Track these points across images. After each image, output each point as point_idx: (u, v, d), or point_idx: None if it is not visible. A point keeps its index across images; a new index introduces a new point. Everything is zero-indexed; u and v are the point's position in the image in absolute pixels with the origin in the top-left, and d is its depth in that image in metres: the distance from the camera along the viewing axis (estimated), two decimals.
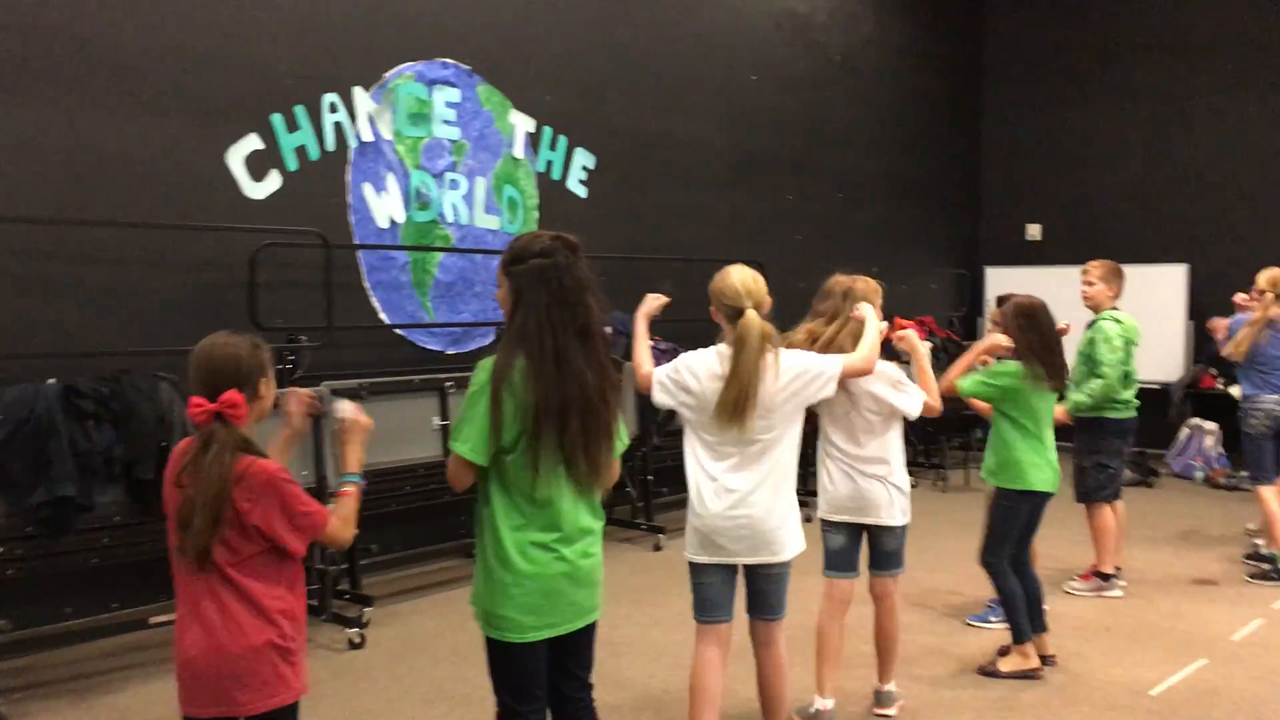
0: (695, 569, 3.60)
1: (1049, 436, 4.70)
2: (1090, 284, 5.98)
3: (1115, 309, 5.93)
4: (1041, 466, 4.64)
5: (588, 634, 2.90)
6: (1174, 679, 4.75)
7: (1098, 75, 11.45)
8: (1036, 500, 4.68)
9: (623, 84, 8.10)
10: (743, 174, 9.20)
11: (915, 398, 4.10)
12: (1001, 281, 11.01)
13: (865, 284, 4.12)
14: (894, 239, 10.91)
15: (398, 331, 6.66)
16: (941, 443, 9.95)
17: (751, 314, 3.43)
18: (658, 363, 3.71)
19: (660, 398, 3.59)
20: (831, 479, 4.17)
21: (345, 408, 2.90)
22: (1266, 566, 6.38)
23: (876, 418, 4.11)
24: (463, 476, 2.75)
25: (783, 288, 9.51)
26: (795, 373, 3.51)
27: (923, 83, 11.42)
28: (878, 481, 4.13)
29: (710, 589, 3.58)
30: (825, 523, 4.22)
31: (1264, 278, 6.70)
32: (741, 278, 3.49)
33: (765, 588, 3.61)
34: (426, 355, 6.78)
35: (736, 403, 3.40)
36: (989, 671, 4.75)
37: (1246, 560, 6.65)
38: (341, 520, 2.69)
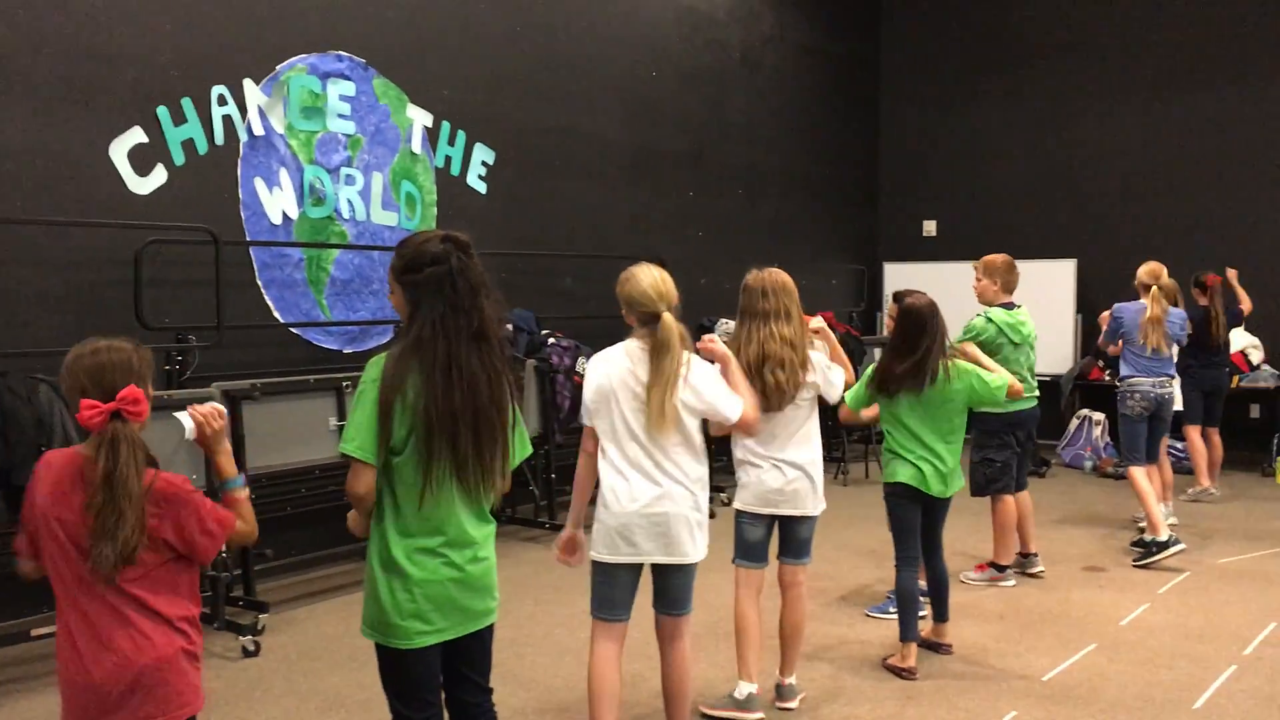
0: (601, 569, 3.55)
1: (928, 435, 4.66)
2: (978, 280, 6.12)
3: (1010, 305, 6.04)
4: (907, 463, 4.68)
5: (483, 639, 2.86)
6: (1065, 664, 4.87)
7: (991, 76, 11.73)
8: (912, 494, 4.69)
9: (522, 79, 8.03)
10: (644, 170, 9.19)
11: (839, 381, 4.29)
12: (899, 277, 11.21)
13: (776, 275, 4.19)
14: (795, 235, 11.03)
15: (293, 330, 6.50)
16: (843, 436, 10.08)
17: (669, 317, 3.43)
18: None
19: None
20: (759, 473, 4.21)
21: (187, 425, 2.67)
22: (1150, 549, 6.58)
23: (803, 408, 4.20)
24: (360, 478, 2.66)
25: (685, 284, 9.48)
26: (701, 387, 3.49)
27: (821, 81, 11.56)
28: (803, 473, 4.22)
29: (615, 588, 3.55)
30: (746, 515, 4.24)
31: (1144, 271, 6.92)
32: (651, 280, 3.47)
33: (675, 583, 3.62)
34: (323, 354, 6.64)
35: (664, 408, 3.40)
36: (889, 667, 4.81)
37: (1133, 546, 6.87)
38: (245, 522, 2.63)
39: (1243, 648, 5.07)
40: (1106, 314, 7.16)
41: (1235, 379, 9.66)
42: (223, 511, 2.54)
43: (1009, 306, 6.05)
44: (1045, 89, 11.40)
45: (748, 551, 4.27)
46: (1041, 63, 11.41)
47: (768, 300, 4.15)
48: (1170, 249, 9.28)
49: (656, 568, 3.58)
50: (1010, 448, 6.05)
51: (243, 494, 2.67)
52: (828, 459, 9.89)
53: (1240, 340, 9.89)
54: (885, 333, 4.99)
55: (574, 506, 3.69)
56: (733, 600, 4.30)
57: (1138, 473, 6.71)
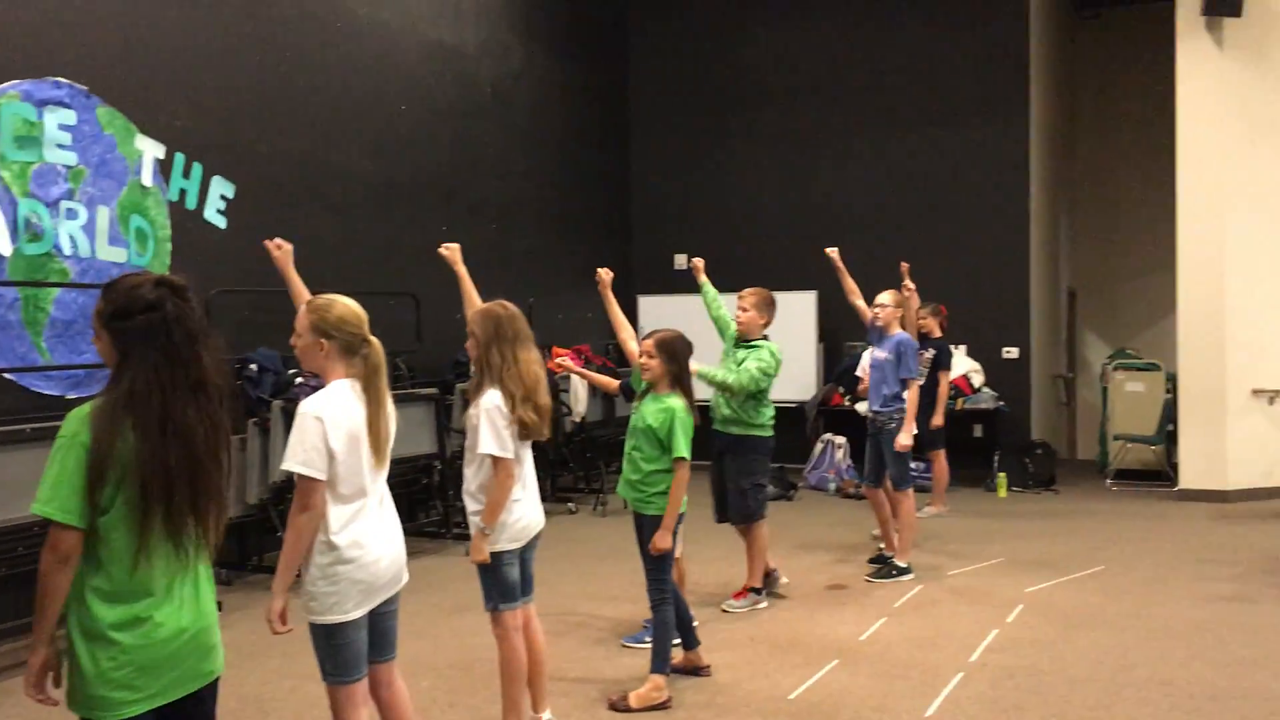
0: (344, 629, 3.33)
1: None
2: (743, 310, 6.20)
3: (765, 337, 6.22)
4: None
5: (204, 700, 2.69)
6: (809, 682, 5.06)
7: (735, 114, 12.24)
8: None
9: (264, 109, 7.76)
10: (394, 203, 9.05)
11: None
12: (654, 310, 11.50)
13: (505, 309, 4.18)
14: (550, 268, 11.11)
15: (6, 376, 6.00)
16: (600, 468, 10.18)
17: (379, 342, 3.37)
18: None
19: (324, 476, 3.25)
20: (520, 508, 4.15)
21: None
22: (890, 570, 6.96)
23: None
24: (64, 541, 2.46)
25: (439, 319, 9.39)
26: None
27: (573, 115, 11.74)
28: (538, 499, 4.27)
29: (361, 642, 3.40)
30: (506, 555, 4.12)
31: (897, 299, 7.29)
32: (355, 305, 3.40)
33: (390, 625, 3.53)
34: (42, 401, 6.15)
35: (386, 439, 3.36)
36: (619, 707, 4.71)
37: (871, 563, 7.24)
38: None
39: (969, 655, 5.42)
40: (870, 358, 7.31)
41: (960, 401, 10.41)
42: None
43: (764, 339, 6.24)
44: (785, 127, 12.01)
45: (510, 592, 4.17)
46: (780, 103, 12.03)
47: (519, 325, 4.17)
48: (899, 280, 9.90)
49: (378, 611, 3.44)
50: (769, 473, 6.31)
51: None
52: (587, 490, 10.05)
53: (963, 365, 10.66)
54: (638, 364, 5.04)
55: (289, 571, 3.26)
56: (482, 644, 4.23)
57: (912, 499, 7.06)
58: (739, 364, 6.11)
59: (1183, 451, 9.99)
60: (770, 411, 6.22)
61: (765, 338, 6.23)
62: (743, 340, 6.21)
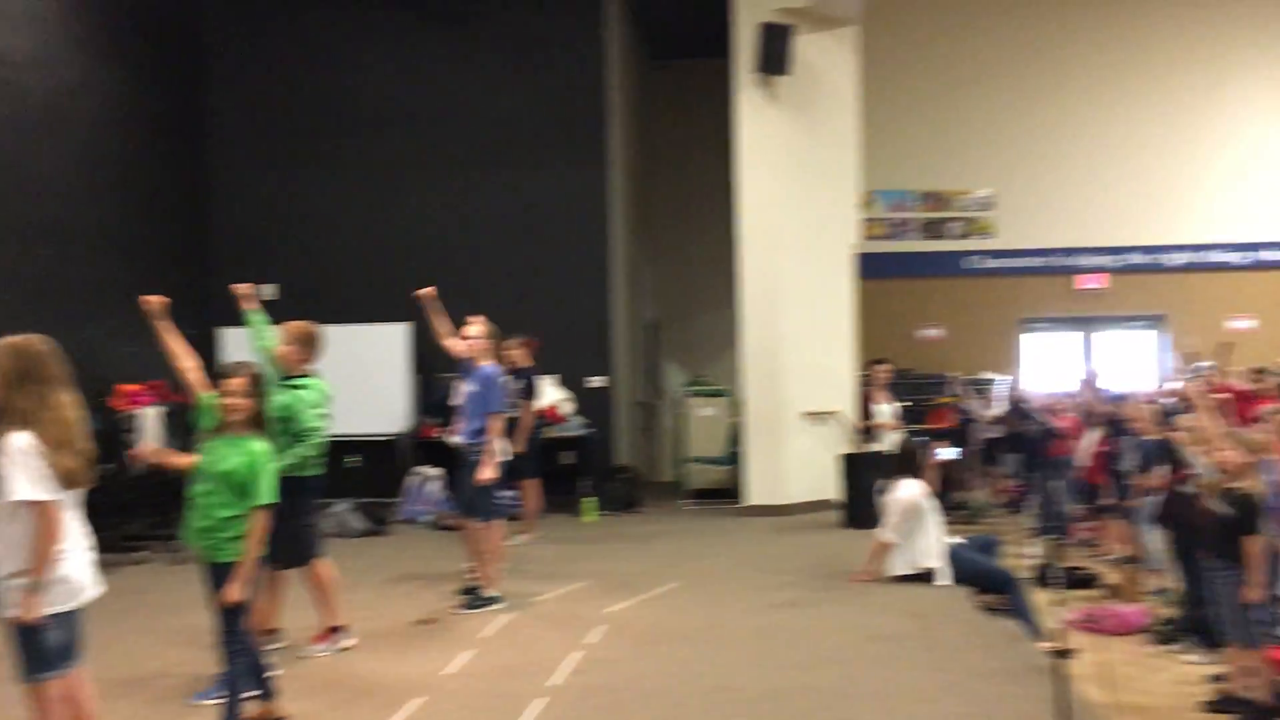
0: None
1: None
2: (286, 345, 6.02)
3: (306, 374, 6.03)
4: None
5: None
6: None
7: (324, 143, 11.98)
8: None
9: None
10: None
11: None
12: (237, 343, 10.89)
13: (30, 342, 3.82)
14: (117, 298, 10.20)
15: None
16: (174, 513, 9.49)
17: None
18: None
19: None
20: (72, 563, 3.78)
21: None
22: (479, 600, 7.01)
23: None
24: None
25: None
26: None
27: (143, 136, 10.97)
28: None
29: None
30: (59, 616, 3.75)
31: (478, 329, 7.38)
32: None
33: None
34: None
35: None
36: None
37: (461, 594, 7.26)
38: None
39: (552, 679, 5.55)
40: None
41: (549, 430, 10.72)
42: None
43: (308, 375, 6.05)
44: (374, 158, 11.92)
45: (63, 656, 3.80)
46: (368, 133, 11.93)
47: (58, 366, 3.82)
48: (491, 313, 10.08)
49: None
50: (318, 511, 6.16)
51: None
52: (164, 538, 9.30)
53: (553, 394, 11.01)
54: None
55: None
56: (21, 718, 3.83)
57: (499, 528, 7.09)
58: (281, 405, 5.74)
59: (747, 471, 10.88)
60: (313, 451, 6.00)
61: (309, 374, 6.04)
62: (285, 377, 5.98)
